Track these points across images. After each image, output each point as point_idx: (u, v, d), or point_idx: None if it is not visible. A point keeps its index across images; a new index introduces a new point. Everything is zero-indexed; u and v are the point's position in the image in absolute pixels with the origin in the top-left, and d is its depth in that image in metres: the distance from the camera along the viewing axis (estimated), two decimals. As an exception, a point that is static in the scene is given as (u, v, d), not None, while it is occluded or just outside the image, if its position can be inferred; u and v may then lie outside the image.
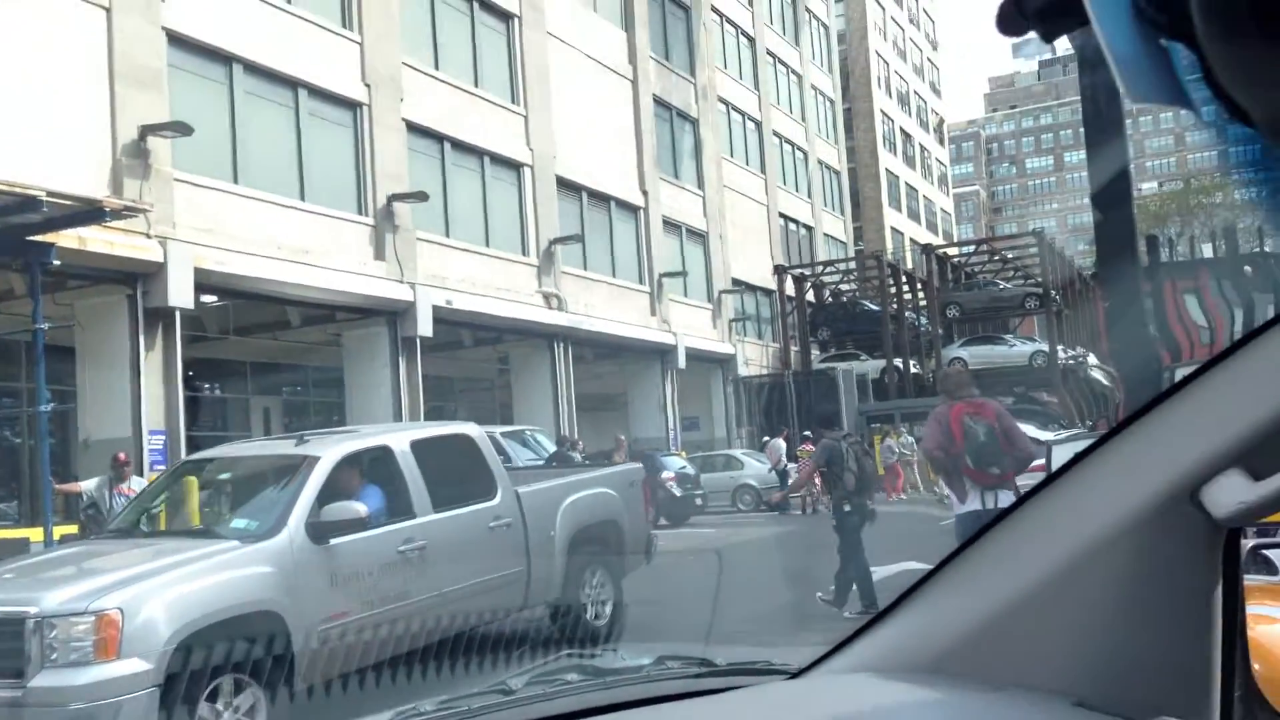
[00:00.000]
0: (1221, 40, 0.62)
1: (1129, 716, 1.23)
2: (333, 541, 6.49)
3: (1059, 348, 33.72)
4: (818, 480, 23.32)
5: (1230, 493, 1.15)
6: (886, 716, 1.30)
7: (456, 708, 1.46)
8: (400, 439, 7.64)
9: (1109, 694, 1.24)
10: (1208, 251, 40.05)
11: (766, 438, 25.44)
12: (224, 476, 8.32)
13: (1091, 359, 36.37)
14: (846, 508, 9.90)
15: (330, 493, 6.78)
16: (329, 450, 7.15)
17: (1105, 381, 35.71)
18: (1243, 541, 1.35)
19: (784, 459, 23.59)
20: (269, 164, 17.74)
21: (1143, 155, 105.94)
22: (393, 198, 19.54)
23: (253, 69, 17.58)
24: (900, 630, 1.40)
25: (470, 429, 8.49)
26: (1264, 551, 2.06)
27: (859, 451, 10.29)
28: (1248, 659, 1.35)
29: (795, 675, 1.48)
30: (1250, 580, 1.64)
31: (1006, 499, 7.37)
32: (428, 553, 7.09)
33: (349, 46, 19.53)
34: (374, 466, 7.39)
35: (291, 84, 18.33)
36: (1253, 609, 1.76)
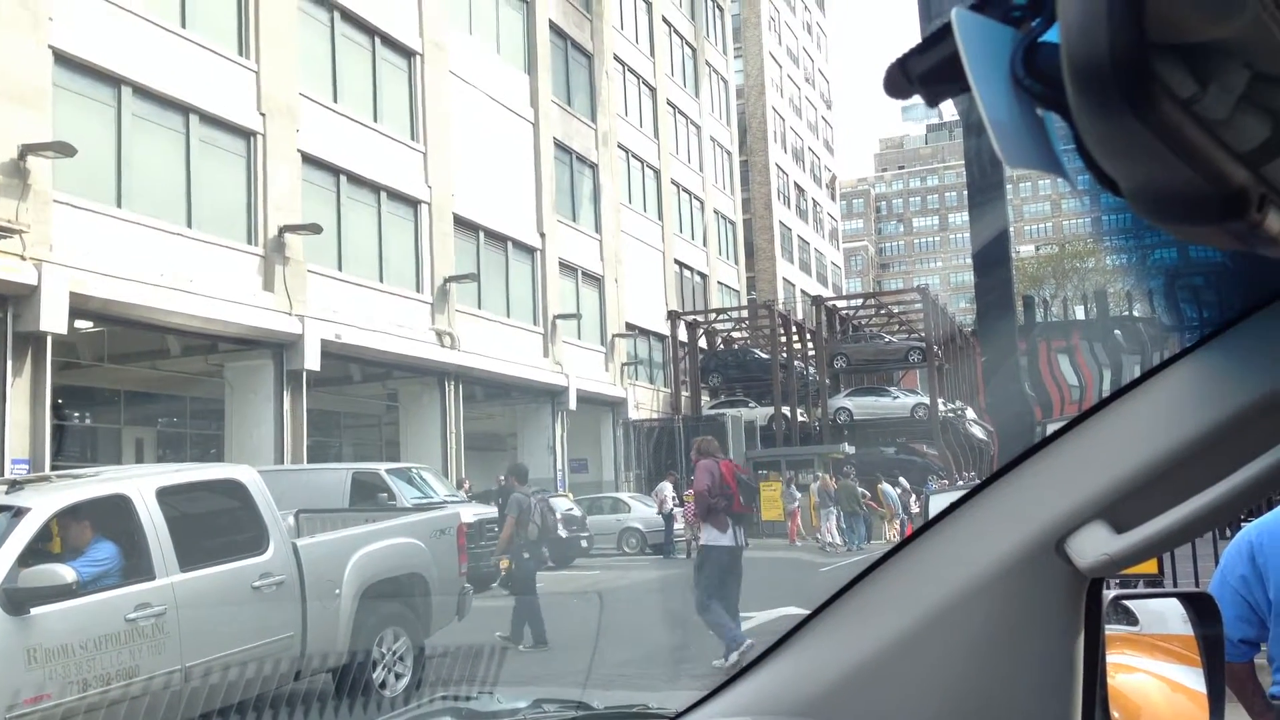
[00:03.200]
0: (1090, 114, 0.63)
1: None
2: (33, 611, 5.58)
3: (939, 401, 34.66)
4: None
5: (1094, 544, 1.19)
6: None
7: None
8: (145, 485, 6.65)
9: None
10: (1080, 313, 41.76)
11: (660, 483, 25.53)
12: None
13: (970, 413, 37.50)
14: (525, 555, 11.48)
15: (41, 551, 5.93)
16: (42, 500, 6.18)
17: (982, 434, 36.82)
18: (1105, 592, 1.41)
19: (669, 502, 23.68)
20: (156, 189, 17.27)
21: (1021, 219, 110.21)
22: (284, 229, 19.20)
23: (142, 92, 17.15)
24: (776, 675, 1.40)
25: (241, 472, 7.53)
26: (1125, 602, 2.16)
27: (544, 508, 11.85)
28: (1107, 707, 1.40)
29: None
30: (1111, 630, 1.72)
31: (743, 534, 9.79)
32: (167, 620, 6.18)
33: (245, 74, 19.20)
34: (108, 518, 6.39)
35: (183, 109, 17.93)
36: (1113, 658, 1.84)
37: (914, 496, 28.03)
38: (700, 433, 30.62)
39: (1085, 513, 1.20)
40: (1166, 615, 1.95)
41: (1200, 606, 1.74)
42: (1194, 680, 1.80)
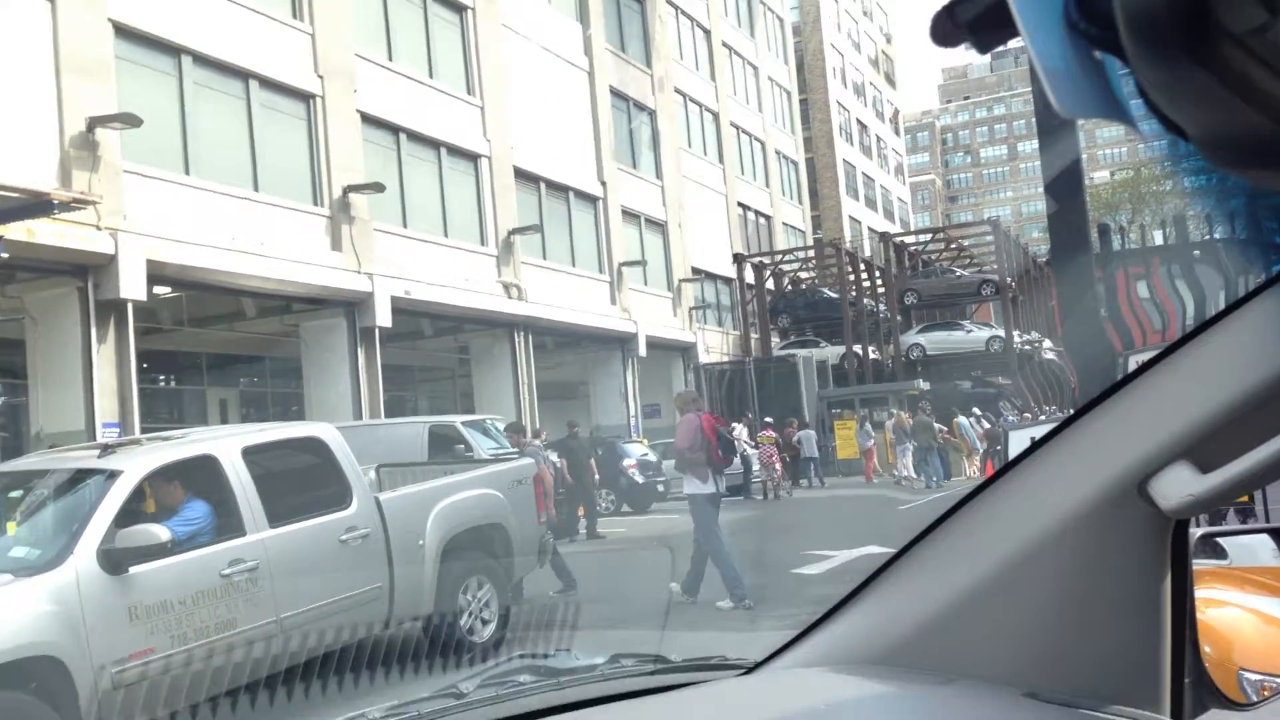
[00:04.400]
0: (1146, 59, 0.60)
1: (1080, 706, 1.24)
2: (132, 570, 5.72)
3: (1014, 333, 34.09)
4: (778, 465, 23.64)
5: (1178, 485, 1.16)
6: (840, 711, 1.30)
7: (406, 712, 1.42)
8: (230, 446, 6.79)
9: (1060, 684, 1.26)
10: (1159, 240, 40.64)
11: (732, 424, 25.57)
12: (14, 494, 6.86)
13: (1046, 344, 36.83)
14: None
15: (136, 512, 6.05)
16: (133, 462, 6.32)
17: (1060, 365, 36.18)
18: (1192, 530, 1.37)
19: (744, 444, 23.68)
20: (221, 155, 17.51)
21: (1094, 144, 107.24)
22: (348, 189, 19.37)
23: (202, 60, 17.34)
24: (855, 622, 1.40)
25: (322, 430, 7.68)
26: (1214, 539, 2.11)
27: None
28: (1197, 646, 1.37)
29: (750, 670, 1.47)
30: (1199, 564, 1.68)
31: (723, 482, 10.29)
32: (260, 574, 6.35)
33: (300, 37, 19.30)
34: (197, 478, 6.55)
35: (242, 75, 18.11)
36: (1202, 593, 1.80)
37: (989, 427, 27.65)
38: (772, 374, 30.62)
39: (1168, 453, 1.17)
40: (1256, 548, 1.90)
41: None
42: None
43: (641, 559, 12.51)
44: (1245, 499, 6.24)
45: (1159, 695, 1.28)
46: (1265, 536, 1.84)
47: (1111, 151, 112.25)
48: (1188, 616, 1.32)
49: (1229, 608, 1.97)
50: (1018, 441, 6.50)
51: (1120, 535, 1.24)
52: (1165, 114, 0.63)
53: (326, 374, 19.29)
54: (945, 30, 0.71)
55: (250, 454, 6.81)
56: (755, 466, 23.23)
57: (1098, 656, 1.27)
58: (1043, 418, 26.96)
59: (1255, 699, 1.66)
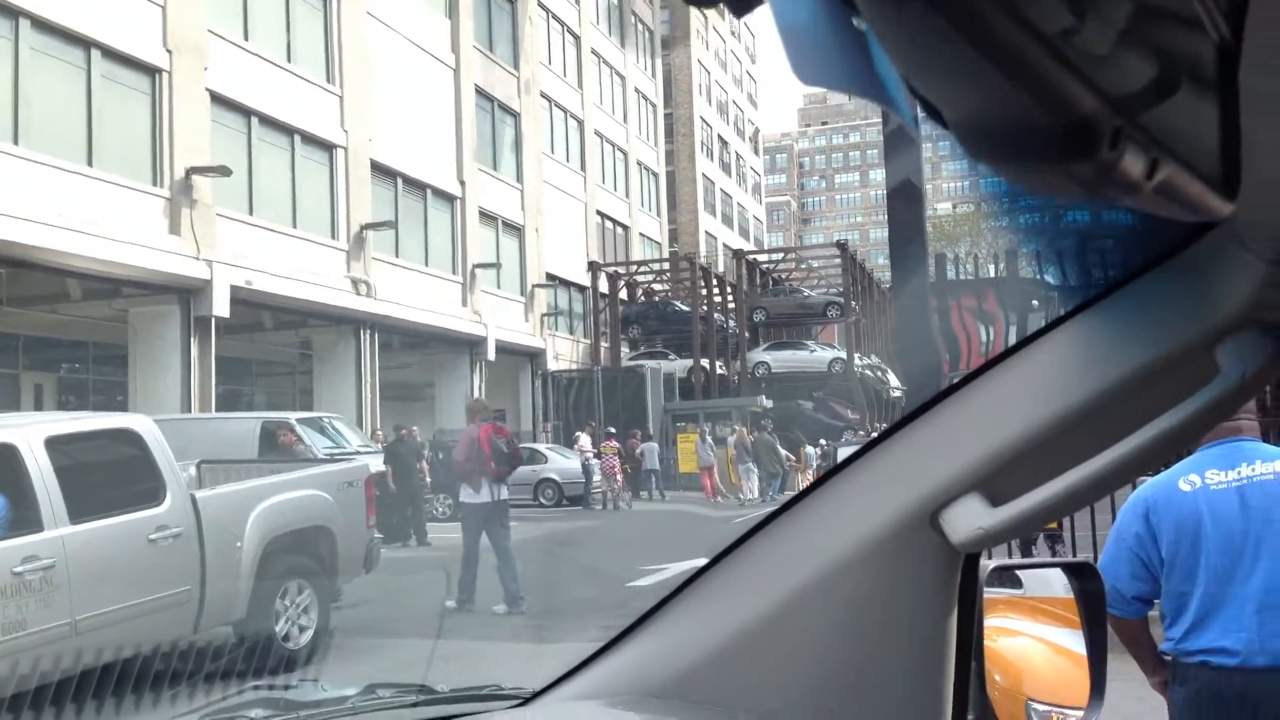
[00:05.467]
0: (891, 19, 0.49)
1: None
2: None
3: (856, 355, 35.10)
4: (619, 476, 23.74)
5: (968, 518, 1.15)
6: None
7: None
8: (33, 435, 6.44)
9: (846, 718, 1.23)
10: (993, 272, 42.54)
11: (577, 433, 25.51)
12: None
13: (885, 367, 38.06)
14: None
15: None
16: None
17: (898, 391, 37.43)
18: (985, 562, 1.37)
19: (587, 454, 23.72)
20: (55, 126, 16.60)
21: (938, 177, 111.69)
22: (192, 170, 18.59)
23: (41, 25, 16.41)
24: (640, 651, 1.34)
25: (136, 421, 7.38)
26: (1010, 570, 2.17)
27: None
28: (984, 681, 1.37)
29: (525, 702, 1.39)
30: (993, 593, 1.69)
31: (503, 490, 10.27)
32: (56, 573, 6.05)
33: (151, 9, 18.47)
34: None
35: (84, 44, 17.20)
36: (995, 621, 1.83)
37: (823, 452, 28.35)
38: (619, 385, 30.74)
39: (961, 484, 1.16)
40: (1050, 578, 1.95)
41: (1083, 576, 1.74)
42: (1077, 643, 1.80)
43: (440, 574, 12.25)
44: (1054, 526, 6.51)
45: None
46: (1059, 572, 1.88)
47: (955, 185, 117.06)
48: (974, 651, 1.32)
49: (1020, 637, 2.01)
50: (845, 455, 6.76)
51: (910, 566, 1.21)
52: (917, 90, 0.54)
53: (156, 363, 18.45)
54: None
55: (55, 444, 6.46)
56: (596, 476, 23.28)
57: (886, 690, 1.24)
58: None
59: (1041, 732, 1.69)
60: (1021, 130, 0.53)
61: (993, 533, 1.15)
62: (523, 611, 9.45)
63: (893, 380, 37.99)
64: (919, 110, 0.56)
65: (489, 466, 10.16)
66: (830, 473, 1.29)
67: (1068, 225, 1.13)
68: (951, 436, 1.18)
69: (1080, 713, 1.73)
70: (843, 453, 7.07)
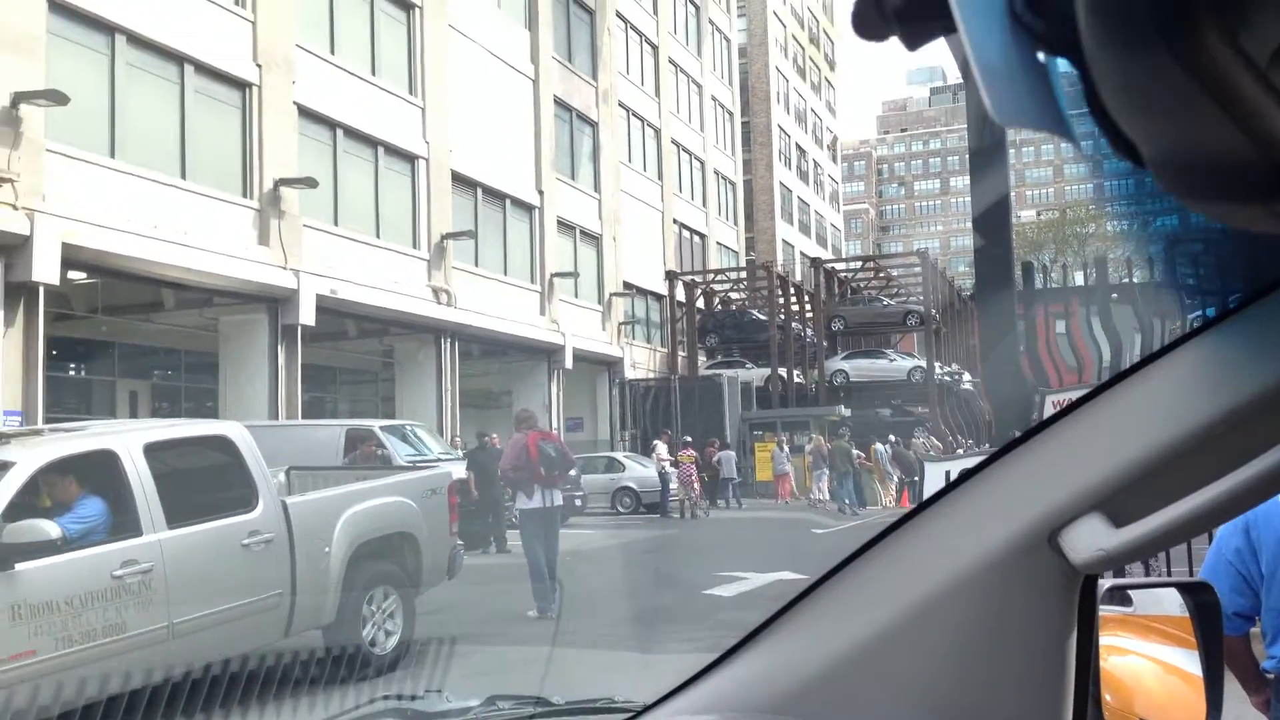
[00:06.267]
0: (1111, 54, 0.51)
1: None
2: (17, 567, 5.53)
3: (936, 364, 34.63)
4: (697, 485, 23.72)
5: (1089, 538, 1.13)
6: None
7: None
8: (132, 441, 6.53)
9: None
10: (1080, 281, 41.66)
11: (655, 441, 25.55)
12: None
13: (966, 376, 37.48)
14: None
15: (28, 506, 5.86)
16: (27, 454, 6.09)
17: (975, 397, 36.91)
18: (1100, 582, 1.35)
19: (664, 462, 23.73)
20: (150, 140, 17.10)
21: (1022, 184, 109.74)
22: (280, 182, 19.02)
23: (136, 40, 16.93)
24: (753, 666, 1.33)
25: (230, 429, 7.47)
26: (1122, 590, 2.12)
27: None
28: (1100, 702, 1.35)
29: (638, 715, 1.39)
30: (1104, 610, 1.66)
31: (557, 496, 10.57)
32: (154, 577, 6.13)
33: (241, 24, 18.95)
34: (94, 474, 6.31)
35: (178, 59, 17.72)
36: (1105, 639, 1.79)
37: (901, 451, 28.08)
38: (697, 393, 30.73)
39: (1082, 504, 1.14)
40: (1162, 596, 1.90)
41: (1199, 595, 1.69)
42: (1188, 663, 1.76)
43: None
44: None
45: None
46: (1173, 590, 1.84)
47: (1039, 192, 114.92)
48: (1092, 674, 1.29)
49: (1131, 656, 1.97)
50: (933, 474, 6.63)
51: (1029, 587, 1.19)
52: (1118, 126, 0.55)
53: (244, 371, 18.89)
54: (870, 21, 0.63)
55: (152, 450, 6.57)
56: (673, 485, 23.28)
57: (1002, 713, 1.22)
58: (959, 450, 27.39)
59: (1155, 752, 1.65)
60: (1228, 167, 0.53)
61: (1114, 554, 1.13)
62: (551, 617, 9.67)
63: (972, 389, 37.46)
64: (1107, 148, 0.57)
65: (538, 474, 10.38)
66: (946, 489, 1.27)
67: (1199, 236, 1.11)
68: (1072, 455, 1.17)
69: None
70: (952, 467, 6.98)
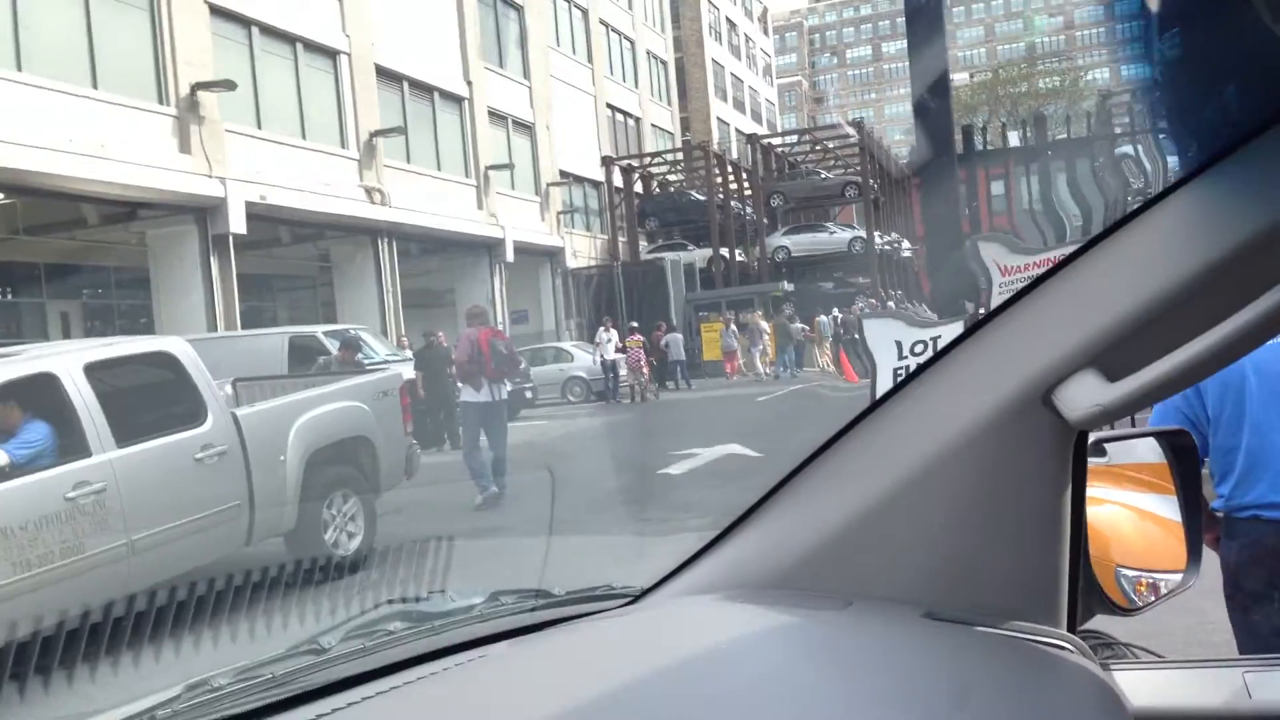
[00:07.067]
0: None
1: (978, 624, 1.21)
2: None
3: (876, 234, 34.79)
4: (645, 369, 23.85)
5: (1084, 394, 1.13)
6: (732, 636, 1.24)
7: (258, 675, 1.25)
8: (71, 362, 6.40)
9: (960, 601, 1.22)
10: (1014, 140, 41.73)
11: (599, 329, 25.56)
12: None
13: (905, 244, 37.76)
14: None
15: None
16: None
17: (910, 262, 37.34)
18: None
19: (610, 349, 23.82)
20: (55, 49, 16.32)
21: (954, 45, 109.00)
22: (196, 86, 18.32)
23: (31, -57, 16.02)
24: (747, 545, 1.34)
25: (172, 344, 7.32)
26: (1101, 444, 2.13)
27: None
28: (1088, 554, 1.34)
29: (636, 599, 1.41)
30: (1088, 464, 1.67)
31: (501, 390, 10.86)
32: (108, 496, 6.08)
33: (138, -81, 17.99)
34: (36, 398, 6.21)
35: (75, -40, 16.81)
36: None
37: (843, 318, 28.69)
38: (640, 278, 30.65)
39: (1075, 361, 1.14)
40: (1134, 445, 1.91)
41: (1175, 440, 1.71)
42: (1162, 507, 1.78)
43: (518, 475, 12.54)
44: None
45: (1057, 606, 1.26)
46: (1147, 439, 1.86)
47: (970, 53, 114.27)
48: (1082, 527, 1.30)
49: (1106, 505, 1.98)
50: (873, 329, 6.83)
51: (1023, 447, 1.19)
52: None
53: (177, 284, 18.47)
54: None
55: (94, 370, 6.45)
56: (623, 371, 23.39)
57: (999, 572, 1.23)
58: (890, 305, 27.68)
59: (1135, 598, 1.68)
60: None
61: (1110, 409, 1.13)
62: (496, 495, 10.01)
63: (911, 256, 37.79)
64: None
65: (488, 368, 10.72)
66: (936, 356, 1.27)
67: (1187, 79, 1.06)
68: (1063, 313, 1.17)
69: (1167, 576, 1.72)
70: (869, 325, 7.10)
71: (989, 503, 1.21)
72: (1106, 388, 1.12)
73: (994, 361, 1.20)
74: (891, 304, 31.93)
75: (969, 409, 1.20)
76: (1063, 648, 1.23)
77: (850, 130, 40.83)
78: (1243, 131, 1.04)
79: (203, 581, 2.70)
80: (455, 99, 27.48)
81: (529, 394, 21.15)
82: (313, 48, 22.09)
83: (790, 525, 1.31)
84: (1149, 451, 1.83)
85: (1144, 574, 1.96)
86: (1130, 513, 1.97)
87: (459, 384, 11.26)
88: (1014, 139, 41.80)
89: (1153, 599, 1.58)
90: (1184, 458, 1.67)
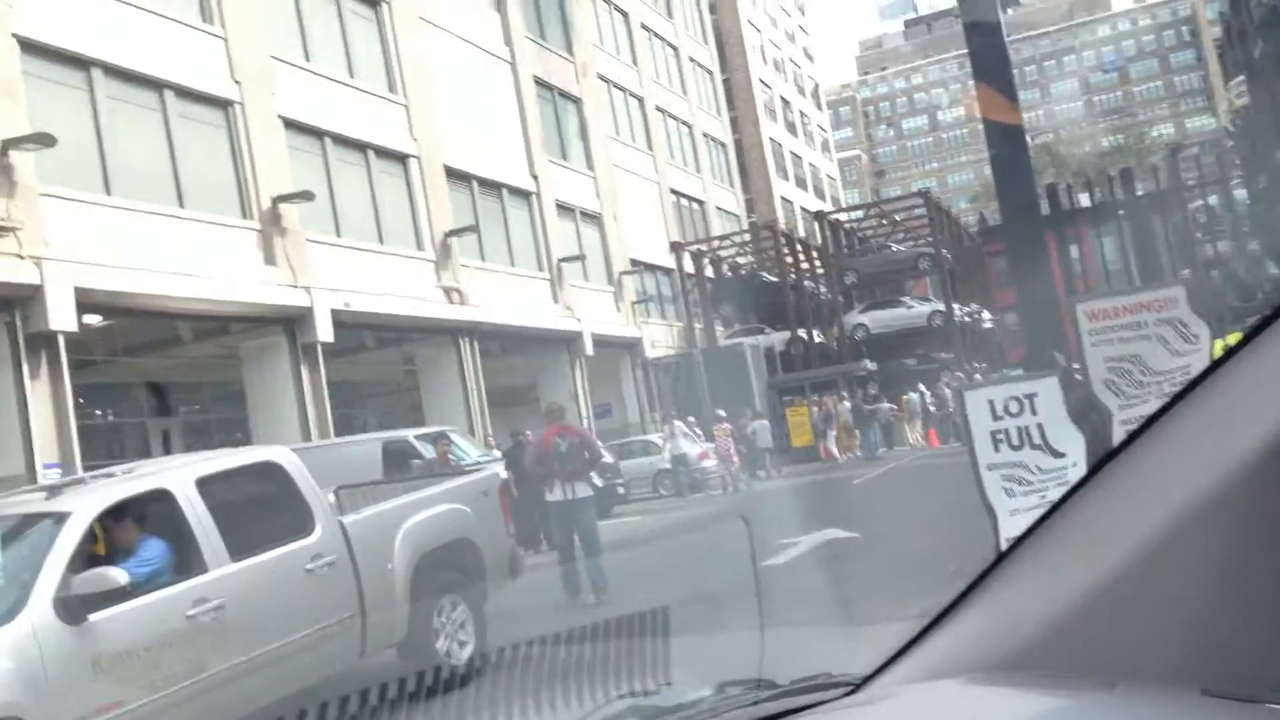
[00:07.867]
0: None
1: (1266, 700, 1.07)
2: (91, 618, 5.33)
3: (954, 305, 34.21)
4: (735, 458, 23.35)
5: None
6: None
7: None
8: (183, 477, 6.38)
9: (1229, 675, 1.10)
10: (1085, 200, 41.06)
11: (674, 422, 25.13)
12: None
13: (985, 314, 37.07)
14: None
15: (90, 555, 5.68)
16: (82, 502, 5.93)
17: (992, 332, 36.64)
18: None
19: (681, 441, 23.63)
20: (141, 171, 16.68)
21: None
22: (277, 199, 18.60)
23: (113, 72, 16.48)
24: (970, 627, 1.28)
25: (277, 454, 7.31)
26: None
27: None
28: None
29: (858, 687, 1.39)
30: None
31: (583, 489, 10.59)
32: (227, 612, 5.99)
33: (212, 41, 18.46)
34: (151, 514, 6.16)
35: (155, 85, 17.24)
36: None
37: (934, 397, 28.66)
38: (720, 364, 30.19)
39: None
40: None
41: None
42: None
43: (643, 565, 12.30)
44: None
45: None
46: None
47: (1029, 115, 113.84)
48: None
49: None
50: (974, 400, 6.60)
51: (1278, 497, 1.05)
52: None
53: (270, 395, 18.55)
54: None
55: (205, 484, 6.40)
56: (711, 462, 23.05)
57: (1269, 640, 1.09)
58: (978, 377, 27.07)
59: None
60: None
61: None
62: (606, 601, 9.60)
63: (991, 325, 37.10)
64: None
65: (554, 468, 10.59)
66: (1158, 413, 1.15)
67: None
68: None
69: None
70: (969, 398, 6.92)
71: (1251, 559, 1.09)
72: None
73: (1234, 408, 1.09)
74: (976, 377, 31.31)
75: (1211, 461, 1.10)
76: None
77: (916, 200, 40.53)
78: None
79: (334, 703, 2.53)
80: (523, 194, 27.73)
81: (621, 489, 20.79)
82: (383, 153, 22.43)
83: (1024, 599, 1.24)
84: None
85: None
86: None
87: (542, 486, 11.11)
88: (1084, 199, 41.14)
89: None
90: None
